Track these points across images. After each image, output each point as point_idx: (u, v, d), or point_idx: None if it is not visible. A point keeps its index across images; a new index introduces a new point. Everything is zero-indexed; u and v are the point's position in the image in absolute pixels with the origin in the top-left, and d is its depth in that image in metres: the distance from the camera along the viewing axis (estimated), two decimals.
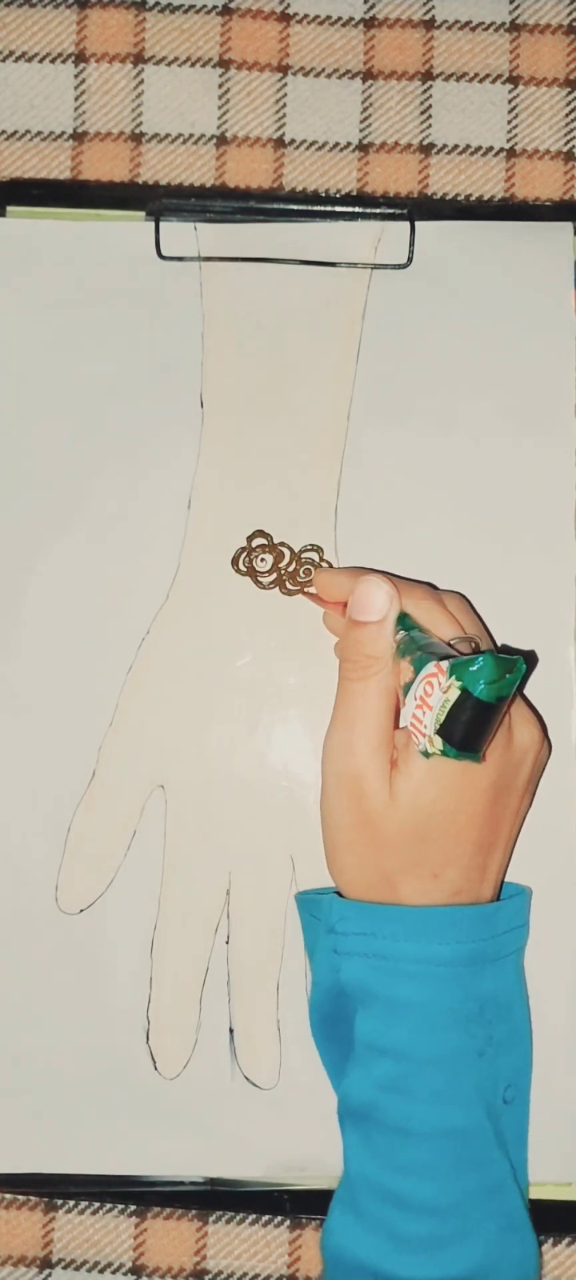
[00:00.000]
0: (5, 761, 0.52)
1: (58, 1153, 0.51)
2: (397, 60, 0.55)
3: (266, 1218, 0.52)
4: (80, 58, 0.55)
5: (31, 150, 0.54)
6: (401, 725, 0.44)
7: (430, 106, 0.54)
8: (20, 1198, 0.52)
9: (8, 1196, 0.52)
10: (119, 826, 0.52)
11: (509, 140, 0.54)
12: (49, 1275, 0.52)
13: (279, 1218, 0.52)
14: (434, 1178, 0.44)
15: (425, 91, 0.55)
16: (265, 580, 0.52)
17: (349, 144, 0.54)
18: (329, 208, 0.54)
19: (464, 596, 0.50)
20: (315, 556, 0.52)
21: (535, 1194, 0.50)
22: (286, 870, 0.52)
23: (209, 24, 0.55)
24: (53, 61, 0.55)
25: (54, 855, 0.52)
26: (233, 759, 0.52)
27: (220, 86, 0.55)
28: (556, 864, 0.51)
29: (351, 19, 0.55)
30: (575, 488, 0.52)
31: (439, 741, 0.42)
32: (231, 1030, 0.52)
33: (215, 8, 0.55)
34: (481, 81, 0.55)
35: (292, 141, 0.54)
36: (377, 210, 0.53)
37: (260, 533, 0.52)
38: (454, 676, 0.42)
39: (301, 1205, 0.51)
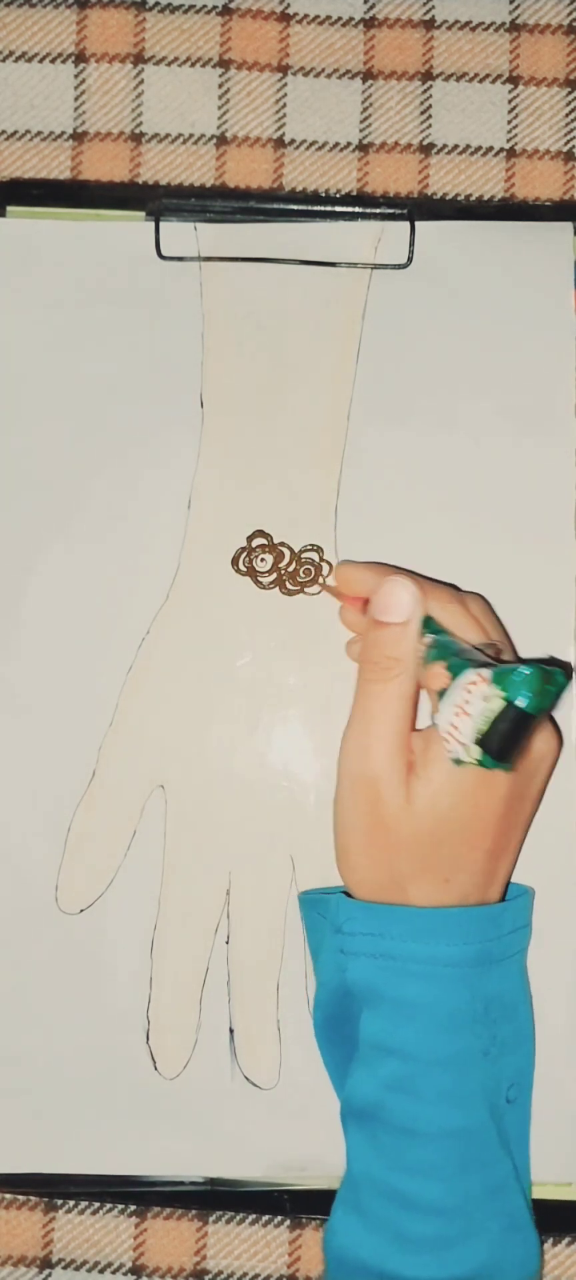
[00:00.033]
0: (5, 761, 0.52)
1: (58, 1153, 0.51)
2: (397, 60, 0.55)
3: (266, 1218, 0.52)
4: (80, 58, 0.55)
5: (31, 150, 0.54)
6: (439, 731, 0.44)
7: (430, 106, 0.54)
8: (20, 1198, 0.52)
9: (8, 1196, 0.52)
10: (119, 826, 0.52)
11: (509, 140, 0.54)
12: (49, 1275, 0.52)
13: (279, 1218, 0.52)
14: (439, 1178, 0.44)
15: (425, 91, 0.55)
16: (265, 580, 0.52)
17: (349, 144, 0.54)
18: (329, 208, 0.54)
19: (485, 600, 0.49)
20: (315, 556, 0.52)
21: (535, 1194, 0.50)
22: (286, 870, 0.52)
23: (209, 24, 0.55)
24: (53, 61, 0.55)
25: (54, 855, 0.52)
26: (233, 759, 0.52)
27: (220, 86, 0.55)
28: (556, 864, 0.51)
29: (351, 19, 0.55)
30: (575, 488, 0.52)
31: (476, 750, 0.42)
32: (231, 1030, 0.52)
33: (215, 8, 0.55)
34: (481, 81, 0.55)
35: (292, 141, 0.54)
36: (377, 210, 0.53)
37: (260, 533, 0.52)
38: (497, 686, 0.41)
39: (301, 1205, 0.52)
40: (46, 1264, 0.52)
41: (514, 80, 0.54)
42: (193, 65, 0.55)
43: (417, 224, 0.53)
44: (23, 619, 0.52)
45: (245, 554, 0.52)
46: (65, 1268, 0.52)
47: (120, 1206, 0.52)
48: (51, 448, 0.53)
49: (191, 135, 0.55)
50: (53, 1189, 0.52)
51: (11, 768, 0.52)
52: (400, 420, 0.53)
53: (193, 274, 0.53)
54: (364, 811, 0.45)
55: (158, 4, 0.55)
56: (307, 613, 0.52)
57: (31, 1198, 0.52)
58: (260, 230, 0.53)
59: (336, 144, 0.54)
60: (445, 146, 0.54)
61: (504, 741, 0.42)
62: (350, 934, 0.45)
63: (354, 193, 0.54)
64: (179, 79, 0.55)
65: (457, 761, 0.43)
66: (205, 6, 0.55)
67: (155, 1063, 0.51)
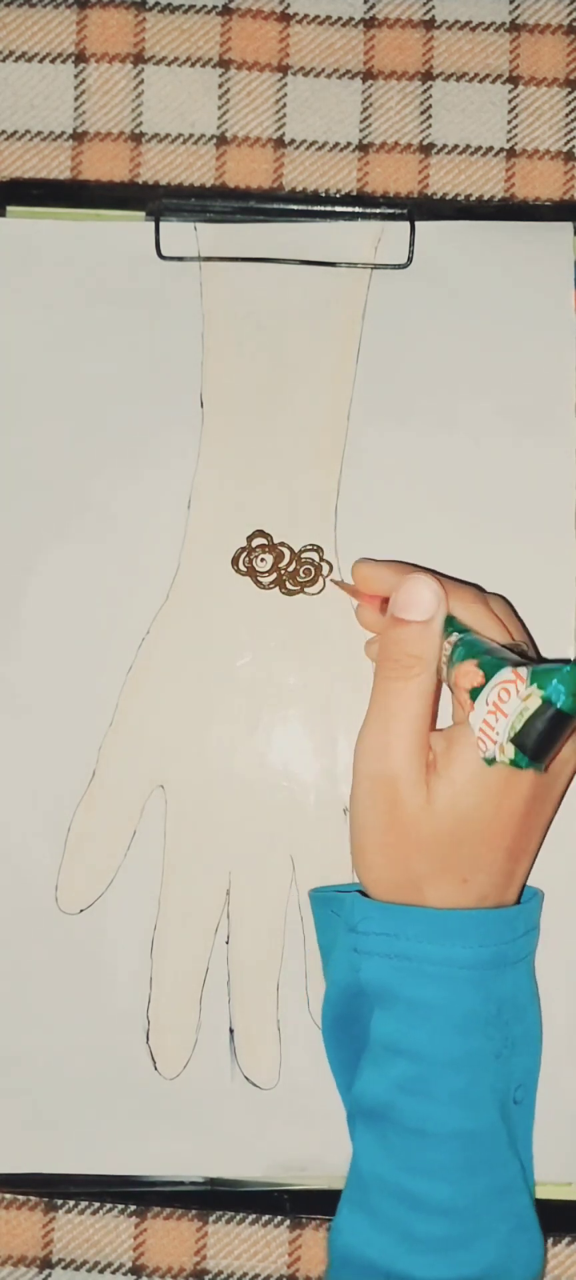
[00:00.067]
0: (5, 761, 0.52)
1: (58, 1153, 0.51)
2: (397, 60, 0.55)
3: (266, 1218, 0.52)
4: (80, 58, 0.55)
5: (31, 150, 0.54)
6: (474, 731, 0.43)
7: (430, 106, 0.54)
8: (20, 1198, 0.52)
9: (8, 1196, 0.52)
10: (119, 826, 0.52)
11: (509, 140, 0.54)
12: (49, 1275, 0.52)
13: (279, 1218, 0.52)
14: (449, 1179, 0.44)
15: (425, 91, 0.55)
16: (265, 580, 0.52)
17: (349, 144, 0.54)
18: (329, 208, 0.54)
19: (507, 600, 0.49)
20: (315, 556, 0.52)
21: (535, 1193, 0.50)
22: (286, 870, 0.52)
23: (209, 24, 0.55)
24: (53, 61, 0.55)
25: (54, 855, 0.52)
26: (233, 759, 0.52)
27: (220, 86, 0.55)
28: (558, 864, 0.51)
29: (351, 19, 0.55)
30: (575, 488, 0.52)
31: (511, 750, 0.42)
32: (231, 1030, 0.52)
33: (215, 8, 0.55)
34: (481, 81, 0.55)
35: (293, 141, 0.54)
36: (377, 210, 0.53)
37: (260, 533, 0.52)
38: (535, 685, 0.41)
39: (301, 1205, 0.51)
40: (46, 1264, 0.52)
41: (514, 80, 0.54)
42: (193, 65, 0.55)
43: (417, 224, 0.53)
44: (23, 619, 0.52)
45: (245, 554, 0.52)
46: (65, 1268, 0.52)
47: (120, 1206, 0.52)
48: (51, 448, 0.53)
49: (191, 135, 0.55)
50: (53, 1189, 0.52)
51: (11, 768, 0.52)
52: (400, 420, 0.53)
53: (193, 274, 0.53)
54: (382, 811, 0.45)
55: (158, 4, 0.55)
56: (308, 613, 0.52)
57: (31, 1198, 0.52)
58: (260, 230, 0.53)
59: (336, 144, 0.54)
60: (445, 146, 0.54)
61: (540, 741, 0.41)
62: (365, 933, 0.45)
63: (354, 193, 0.54)
64: (179, 79, 0.55)
65: (491, 761, 0.42)
66: (205, 6, 0.55)
67: (155, 1063, 0.51)
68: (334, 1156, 0.48)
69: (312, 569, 0.52)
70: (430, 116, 0.54)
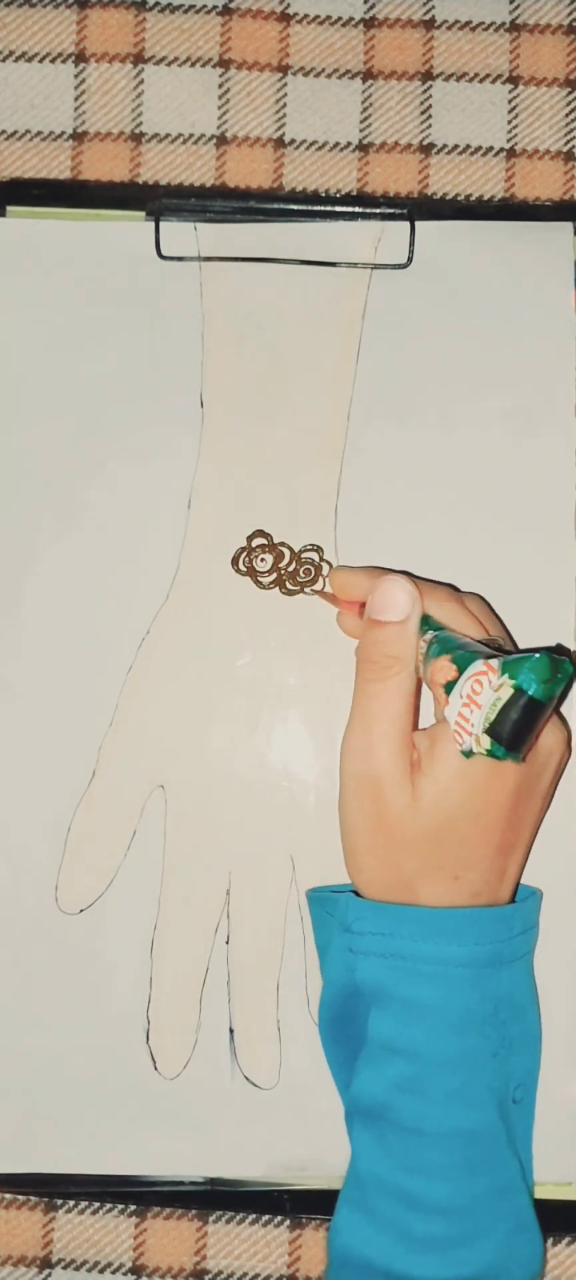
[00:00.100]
0: (5, 761, 0.52)
1: (58, 1153, 0.51)
2: (397, 60, 0.55)
3: (266, 1218, 0.52)
4: (80, 58, 0.55)
5: (31, 150, 0.54)
6: (448, 724, 0.43)
7: (430, 106, 0.54)
8: (20, 1198, 0.52)
9: (8, 1196, 0.52)
10: (119, 826, 0.52)
11: (509, 140, 0.54)
12: (49, 1275, 0.52)
13: (279, 1218, 0.52)
14: (448, 1178, 0.44)
15: (425, 91, 0.55)
16: (265, 580, 0.52)
17: (349, 144, 0.54)
18: (329, 208, 0.54)
19: (483, 598, 0.49)
20: (315, 556, 0.52)
21: (535, 1194, 0.50)
22: (286, 870, 0.52)
23: (209, 24, 0.55)
24: (53, 61, 0.55)
25: (54, 855, 0.52)
26: (233, 759, 0.52)
27: (220, 86, 0.55)
28: (558, 864, 0.51)
29: (351, 19, 0.55)
30: (575, 488, 0.52)
31: (486, 741, 0.42)
32: (231, 1030, 0.52)
33: (215, 8, 0.55)
34: (481, 81, 0.55)
35: (293, 141, 0.55)
36: (377, 210, 0.53)
37: (260, 533, 0.52)
38: (506, 674, 0.41)
39: (301, 1205, 0.51)
40: (46, 1264, 0.52)
41: (514, 80, 0.54)
42: (193, 65, 0.55)
43: (417, 224, 0.53)
44: (23, 618, 0.52)
45: (245, 554, 0.52)
46: (65, 1268, 0.52)
47: (120, 1206, 0.52)
48: (51, 447, 0.53)
49: (191, 135, 0.55)
50: (53, 1189, 0.52)
51: (12, 768, 0.52)
52: (400, 420, 0.53)
53: (193, 274, 0.53)
54: (368, 812, 0.45)
55: (158, 4, 0.55)
56: (307, 613, 0.52)
57: (31, 1198, 0.52)
58: (260, 230, 0.53)
59: (336, 144, 0.54)
60: (445, 146, 0.54)
61: (514, 730, 0.41)
62: (359, 933, 0.45)
63: (354, 193, 0.54)
64: (179, 79, 0.55)
65: (468, 753, 0.43)
66: (205, 6, 0.55)
67: (155, 1063, 0.51)
68: (334, 1156, 0.48)
69: (313, 569, 0.52)
70: (430, 116, 0.54)
